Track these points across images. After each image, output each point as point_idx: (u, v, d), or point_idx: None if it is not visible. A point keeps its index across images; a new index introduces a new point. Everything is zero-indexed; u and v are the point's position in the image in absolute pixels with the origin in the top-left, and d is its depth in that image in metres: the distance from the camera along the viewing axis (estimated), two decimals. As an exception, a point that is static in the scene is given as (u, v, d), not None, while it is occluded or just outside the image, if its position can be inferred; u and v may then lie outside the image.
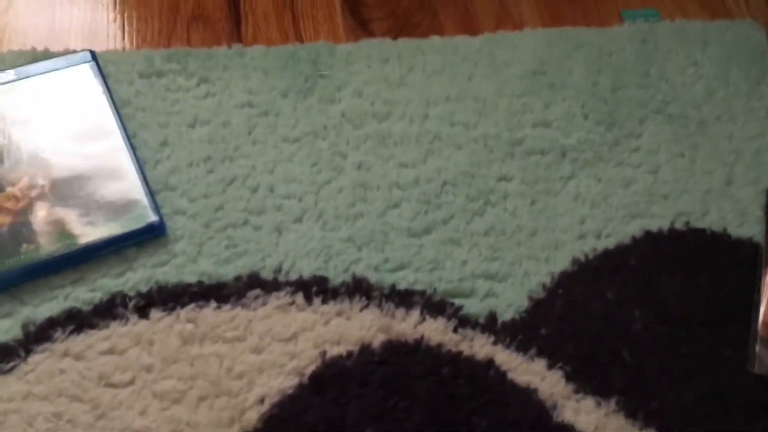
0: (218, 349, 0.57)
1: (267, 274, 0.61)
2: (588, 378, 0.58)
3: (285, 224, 0.64)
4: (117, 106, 0.67)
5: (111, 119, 0.66)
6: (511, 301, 0.61)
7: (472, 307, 0.61)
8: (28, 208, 0.60)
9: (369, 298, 0.61)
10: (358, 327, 0.59)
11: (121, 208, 0.61)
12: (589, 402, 0.57)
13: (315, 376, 0.56)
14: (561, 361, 0.58)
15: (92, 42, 0.73)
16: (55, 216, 0.60)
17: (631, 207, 0.67)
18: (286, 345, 0.58)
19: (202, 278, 0.60)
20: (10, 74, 0.67)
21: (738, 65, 0.77)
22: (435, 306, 0.60)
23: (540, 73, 0.75)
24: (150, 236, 0.61)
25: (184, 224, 0.63)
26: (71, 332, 0.57)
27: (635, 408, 0.57)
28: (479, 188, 0.67)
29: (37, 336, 0.56)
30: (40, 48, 0.70)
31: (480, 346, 0.59)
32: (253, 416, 0.54)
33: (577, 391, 0.57)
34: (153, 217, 0.61)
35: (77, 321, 0.57)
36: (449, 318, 0.60)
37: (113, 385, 0.55)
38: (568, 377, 0.58)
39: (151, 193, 0.62)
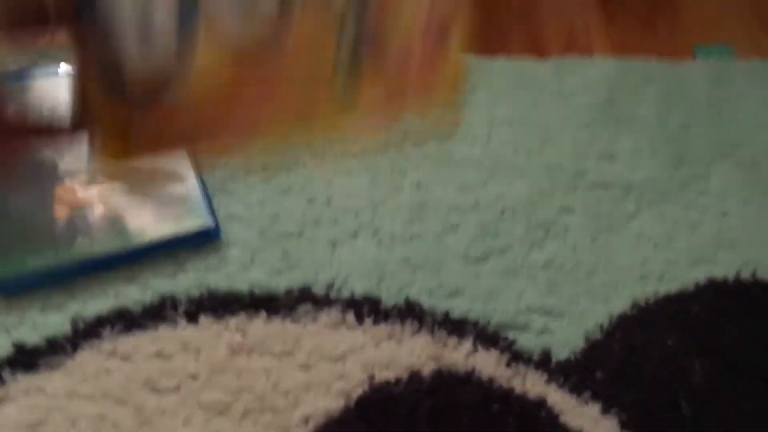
0: (266, 363, 0.56)
1: (319, 289, 0.60)
2: (644, 428, 0.56)
3: (340, 239, 0.63)
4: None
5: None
6: (566, 339, 0.59)
7: (527, 342, 0.59)
8: (86, 203, 0.60)
9: (421, 323, 0.59)
10: (408, 352, 0.57)
11: (178, 210, 0.60)
12: (643, 453, 0.55)
13: (361, 401, 0.55)
14: (616, 408, 0.56)
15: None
16: (113, 213, 0.59)
17: (696, 252, 0.65)
18: (334, 364, 0.56)
19: (254, 288, 0.59)
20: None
21: (815, 112, 0.75)
22: (488, 338, 0.59)
23: (608, 104, 0.73)
24: (205, 240, 0.60)
25: (238, 231, 0.62)
26: (120, 331, 0.56)
27: (691, 464, 0.55)
28: (539, 218, 0.66)
29: (86, 332, 0.56)
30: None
31: (532, 384, 0.57)
32: (297, 436, 0.53)
33: (631, 441, 0.55)
34: (209, 222, 0.60)
35: (126, 320, 0.57)
36: (502, 351, 0.58)
37: (158, 391, 0.54)
38: (623, 425, 0.56)
39: (208, 198, 0.62)
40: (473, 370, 0.57)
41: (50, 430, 0.51)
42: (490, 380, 0.57)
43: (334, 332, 0.58)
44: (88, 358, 0.55)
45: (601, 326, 0.60)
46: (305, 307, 0.59)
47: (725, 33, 0.84)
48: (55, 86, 0.62)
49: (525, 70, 0.75)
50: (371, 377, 0.56)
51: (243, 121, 0.30)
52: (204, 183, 0.62)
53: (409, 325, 0.59)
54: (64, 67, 0.63)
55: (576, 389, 0.57)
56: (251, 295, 0.59)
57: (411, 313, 0.59)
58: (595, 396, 0.57)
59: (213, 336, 0.57)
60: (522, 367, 0.58)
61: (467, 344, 0.58)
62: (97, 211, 0.59)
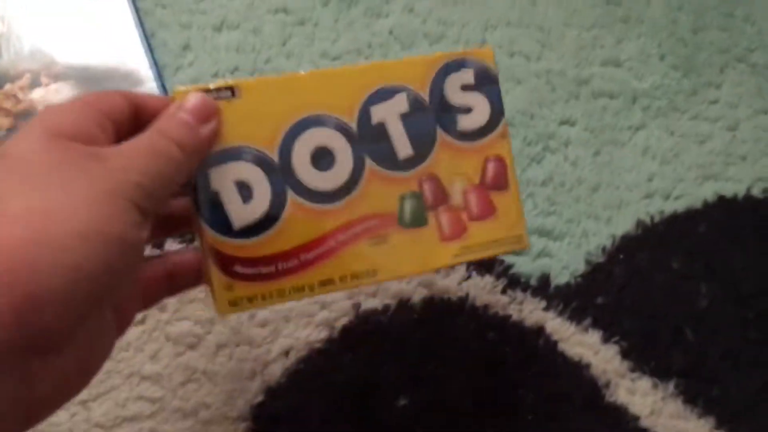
0: (240, 292, 0.51)
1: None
2: (646, 356, 0.52)
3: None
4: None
5: (127, 13, 0.57)
6: (566, 263, 0.55)
7: (524, 266, 0.55)
8: (29, 110, 0.52)
9: (410, 246, 0.54)
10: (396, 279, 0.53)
11: (136, 120, 0.53)
12: (645, 383, 0.52)
13: (347, 331, 0.51)
14: (617, 335, 0.53)
15: None
16: (61, 124, 0.52)
17: (705, 167, 0.60)
18: (315, 292, 0.52)
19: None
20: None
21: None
22: (483, 262, 0.54)
23: (614, 4, 0.66)
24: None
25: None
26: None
27: (695, 393, 0.52)
28: (538, 131, 0.60)
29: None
30: None
31: (530, 311, 0.53)
32: (276, 370, 0.49)
33: (633, 370, 0.52)
34: (172, 135, 0.53)
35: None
36: (498, 277, 0.54)
37: (122, 324, 0.49)
38: (624, 354, 0.52)
39: (171, 106, 0.54)
40: (467, 297, 0.53)
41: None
42: (485, 308, 0.53)
43: (314, 257, 0.53)
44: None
45: (603, 248, 0.56)
46: (283, 230, 0.53)
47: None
48: None
49: (523, -37, 0.67)
50: (357, 306, 0.51)
51: None
52: (165, 86, 0.55)
53: (397, 249, 0.54)
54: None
55: (575, 316, 0.53)
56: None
57: (399, 235, 0.54)
58: (596, 323, 0.53)
59: (181, 262, 0.51)
60: (519, 294, 0.53)
61: (460, 269, 0.54)
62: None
